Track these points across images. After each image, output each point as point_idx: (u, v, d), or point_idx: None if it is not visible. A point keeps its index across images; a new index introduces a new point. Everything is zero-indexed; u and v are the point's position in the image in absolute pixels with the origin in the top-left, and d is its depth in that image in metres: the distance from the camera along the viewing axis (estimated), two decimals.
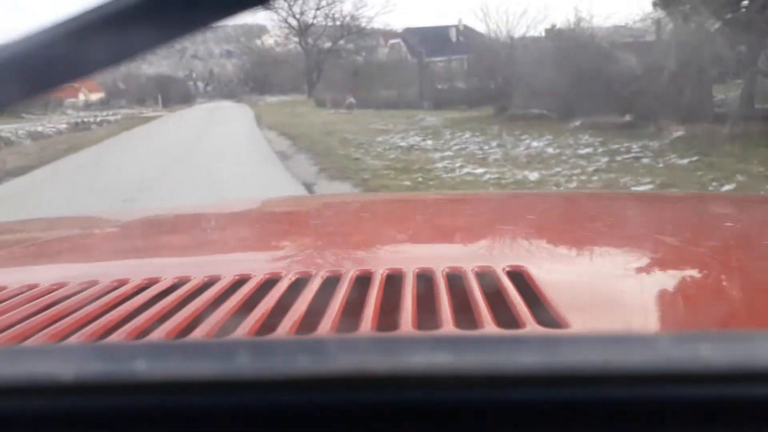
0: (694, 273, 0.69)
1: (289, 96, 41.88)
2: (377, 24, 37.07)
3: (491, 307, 0.49)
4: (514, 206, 1.35)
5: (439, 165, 8.02)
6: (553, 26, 20.36)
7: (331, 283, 0.57)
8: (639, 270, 0.68)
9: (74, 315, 0.52)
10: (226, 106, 38.75)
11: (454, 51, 27.94)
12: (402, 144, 10.45)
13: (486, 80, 19.67)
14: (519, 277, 0.57)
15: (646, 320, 0.51)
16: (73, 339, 0.48)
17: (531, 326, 0.45)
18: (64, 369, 0.28)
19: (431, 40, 31.10)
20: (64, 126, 21.37)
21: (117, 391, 0.28)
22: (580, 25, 17.39)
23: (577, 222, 1.10)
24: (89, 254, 0.98)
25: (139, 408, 0.28)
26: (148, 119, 25.11)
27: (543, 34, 20.55)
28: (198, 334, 0.47)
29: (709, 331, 0.32)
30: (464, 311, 0.49)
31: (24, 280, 0.64)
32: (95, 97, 61.92)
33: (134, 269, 0.70)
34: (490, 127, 11.99)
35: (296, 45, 37.27)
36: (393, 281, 0.57)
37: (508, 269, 0.59)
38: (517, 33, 20.12)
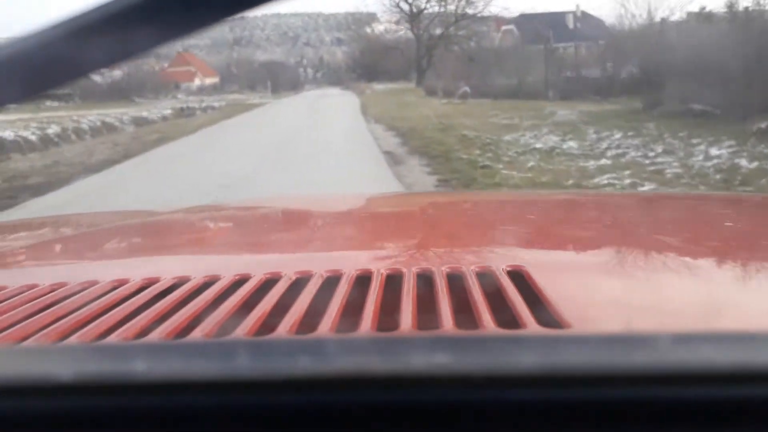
0: (693, 273, 0.66)
1: (396, 84, 40.21)
2: (493, 8, 34.32)
3: (491, 307, 0.48)
4: (514, 206, 1.32)
5: (602, 181, 5.90)
6: (703, 9, 17.41)
7: (331, 283, 0.56)
8: (639, 270, 0.66)
9: (74, 315, 0.52)
10: (332, 93, 37.45)
11: (571, 37, 25.56)
12: (538, 146, 8.34)
13: (621, 69, 17.06)
14: (519, 276, 0.56)
15: (647, 320, 0.50)
16: (73, 339, 0.47)
17: (531, 326, 0.44)
18: (63, 369, 0.28)
19: (546, 26, 28.48)
20: (169, 112, 20.64)
21: (116, 392, 0.27)
22: (733, 8, 14.49)
23: (577, 222, 1.08)
24: (89, 254, 0.95)
25: (139, 408, 0.27)
26: (252, 106, 23.90)
27: (684, 17, 17.76)
28: (197, 334, 0.46)
29: (710, 331, 0.32)
30: (464, 311, 0.48)
31: (24, 280, 0.63)
32: (210, 81, 63.07)
33: (134, 269, 0.68)
34: (644, 126, 9.60)
35: (406, 31, 35.32)
36: (393, 281, 0.56)
37: (508, 269, 0.58)
38: (653, 17, 17.34)
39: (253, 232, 1.10)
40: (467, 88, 18.85)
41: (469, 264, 0.59)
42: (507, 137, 9.29)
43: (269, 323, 0.47)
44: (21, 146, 11.95)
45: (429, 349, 0.29)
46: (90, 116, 17.20)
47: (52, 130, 13.76)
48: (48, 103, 30.21)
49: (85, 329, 0.49)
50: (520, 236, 0.89)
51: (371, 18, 41.65)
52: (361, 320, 0.47)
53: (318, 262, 0.64)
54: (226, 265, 0.68)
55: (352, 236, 1.00)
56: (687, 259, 0.73)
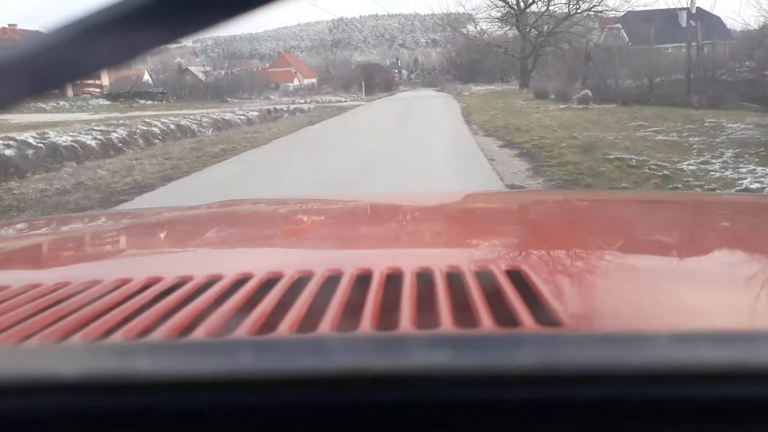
0: (691, 272, 0.65)
1: (494, 85, 36.98)
2: (611, 1, 29.98)
3: (489, 307, 0.46)
4: (513, 206, 1.29)
5: None
6: None
7: (331, 282, 0.54)
8: (636, 269, 0.65)
9: (77, 314, 0.50)
10: (427, 95, 34.50)
11: (684, 37, 21.94)
12: (750, 183, 5.25)
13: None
14: (517, 276, 0.54)
15: (644, 319, 0.48)
16: (76, 338, 0.46)
17: (529, 325, 0.43)
18: (66, 368, 0.28)
19: (655, 25, 24.72)
20: (256, 114, 18.53)
21: (119, 390, 0.27)
22: None
23: (575, 222, 1.05)
24: (92, 253, 0.93)
25: (141, 407, 0.27)
26: (341, 110, 21.00)
27: None
28: (200, 333, 0.44)
29: (707, 331, 0.32)
30: (463, 310, 0.46)
31: (27, 279, 0.62)
32: (308, 82, 61.91)
33: (136, 268, 0.68)
34: None
35: (506, 32, 31.83)
36: (392, 280, 0.55)
37: (506, 269, 0.56)
38: None
39: (255, 232, 1.07)
40: (588, 91, 15.54)
41: (467, 263, 0.58)
42: (685, 165, 6.22)
43: (270, 322, 0.45)
44: (77, 154, 10.04)
45: (428, 348, 0.28)
46: (169, 118, 15.32)
47: (118, 134, 11.81)
48: (142, 101, 29.29)
49: (88, 328, 0.47)
50: (519, 236, 0.88)
51: (467, 19, 38.52)
52: (361, 319, 0.45)
53: (319, 261, 0.62)
54: (227, 265, 0.67)
55: (352, 236, 0.97)
56: (684, 258, 0.71)
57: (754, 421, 0.26)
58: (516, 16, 29.39)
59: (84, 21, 0.27)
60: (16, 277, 0.66)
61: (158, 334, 0.44)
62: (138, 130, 12.59)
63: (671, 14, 30.82)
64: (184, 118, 15.32)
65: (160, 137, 12.95)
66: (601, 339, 0.29)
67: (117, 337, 0.44)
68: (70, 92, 28.09)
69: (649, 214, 1.10)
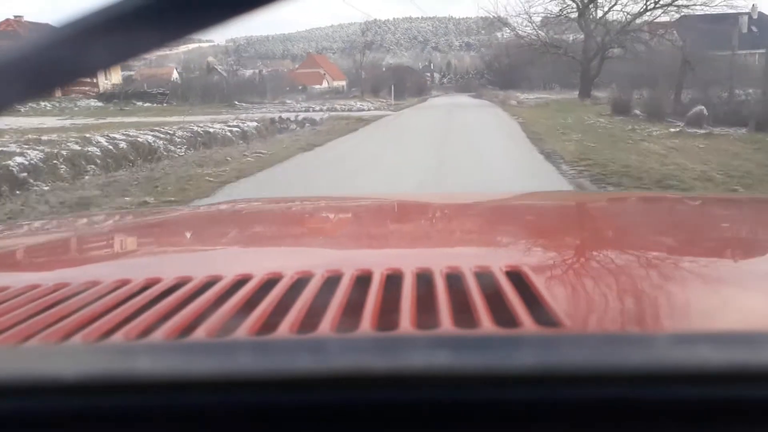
0: (691, 273, 0.63)
1: (541, 93, 32.38)
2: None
3: (489, 307, 0.46)
4: (513, 207, 1.27)
5: None
6: None
7: (331, 283, 0.54)
8: (636, 270, 0.63)
9: (77, 315, 0.50)
10: (465, 103, 29.87)
11: (743, 44, 18.11)
12: None
13: None
14: (517, 276, 0.54)
15: (644, 320, 0.47)
16: (76, 339, 0.45)
17: (529, 326, 0.42)
18: (66, 369, 0.27)
19: (712, 31, 20.52)
20: (254, 125, 14.36)
21: (120, 391, 0.27)
22: None
23: (575, 222, 1.05)
24: (91, 254, 0.92)
25: (141, 407, 0.27)
26: (361, 122, 16.04)
27: None
28: (200, 333, 0.44)
29: (707, 332, 0.32)
30: (463, 311, 0.46)
31: (27, 280, 0.61)
32: (338, 84, 58.07)
33: (136, 269, 0.68)
34: None
35: (564, 30, 27.13)
36: (392, 281, 0.54)
37: (506, 269, 0.55)
38: None
39: (255, 232, 1.06)
40: (703, 108, 10.99)
41: (467, 264, 0.56)
42: None
43: (270, 322, 0.45)
44: None
45: (428, 348, 0.28)
46: (129, 130, 11.24)
47: (25, 159, 7.75)
48: (139, 103, 25.46)
49: (88, 329, 0.46)
50: (519, 237, 0.86)
51: (502, 22, 34.27)
52: (361, 319, 0.45)
53: (319, 262, 0.61)
54: (227, 265, 0.66)
55: (353, 236, 0.96)
56: (684, 259, 0.70)
57: (755, 422, 0.26)
58: (579, 10, 24.57)
59: (80, 21, 0.26)
60: (17, 278, 0.65)
61: (158, 334, 0.43)
62: (64, 152, 8.54)
63: (725, 20, 26.51)
64: (153, 130, 11.20)
65: (98, 161, 8.87)
66: (600, 339, 0.29)
67: (117, 337, 0.43)
68: (57, 92, 24.50)
69: (649, 213, 1.08)
